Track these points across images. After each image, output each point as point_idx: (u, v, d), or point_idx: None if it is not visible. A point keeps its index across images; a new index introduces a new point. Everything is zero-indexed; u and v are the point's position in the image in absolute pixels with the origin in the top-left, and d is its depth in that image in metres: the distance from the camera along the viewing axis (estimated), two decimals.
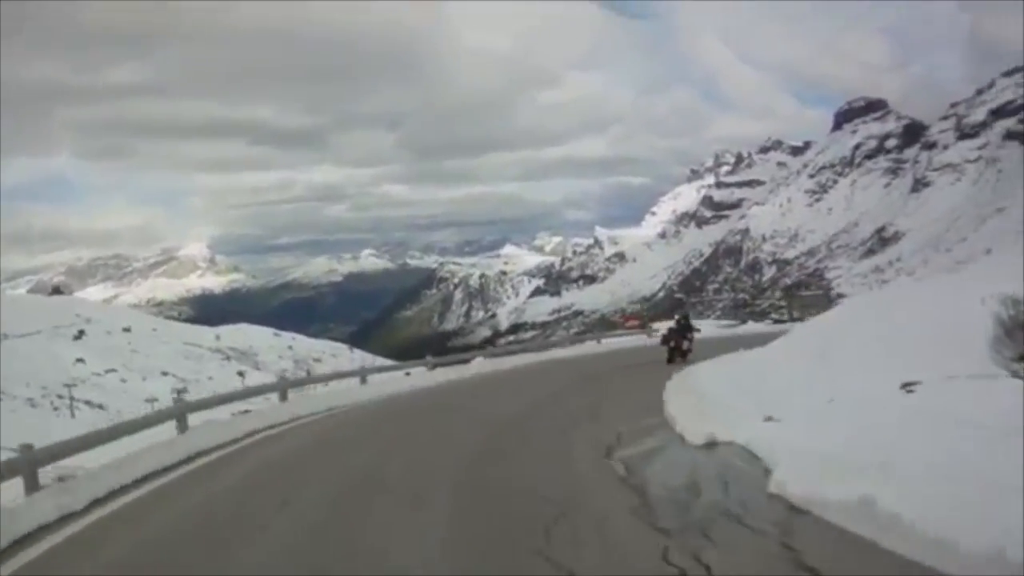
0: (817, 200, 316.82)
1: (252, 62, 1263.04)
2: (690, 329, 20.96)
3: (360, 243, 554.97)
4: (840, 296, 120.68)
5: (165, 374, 51.03)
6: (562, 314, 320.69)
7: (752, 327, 39.66)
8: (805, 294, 33.86)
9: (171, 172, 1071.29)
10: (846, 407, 7.70)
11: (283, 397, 16.76)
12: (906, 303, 12.69)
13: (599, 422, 10.54)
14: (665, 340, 20.55)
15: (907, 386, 7.58)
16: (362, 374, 20.71)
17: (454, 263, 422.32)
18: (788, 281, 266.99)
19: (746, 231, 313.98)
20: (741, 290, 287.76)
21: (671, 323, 21.88)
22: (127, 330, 59.24)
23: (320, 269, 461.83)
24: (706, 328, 31.91)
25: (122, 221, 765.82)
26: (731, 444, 7.67)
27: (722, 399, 10.14)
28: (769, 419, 7.91)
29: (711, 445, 7.98)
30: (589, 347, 30.26)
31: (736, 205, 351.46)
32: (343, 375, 24.67)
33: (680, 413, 9.73)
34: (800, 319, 35.88)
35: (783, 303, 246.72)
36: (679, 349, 19.95)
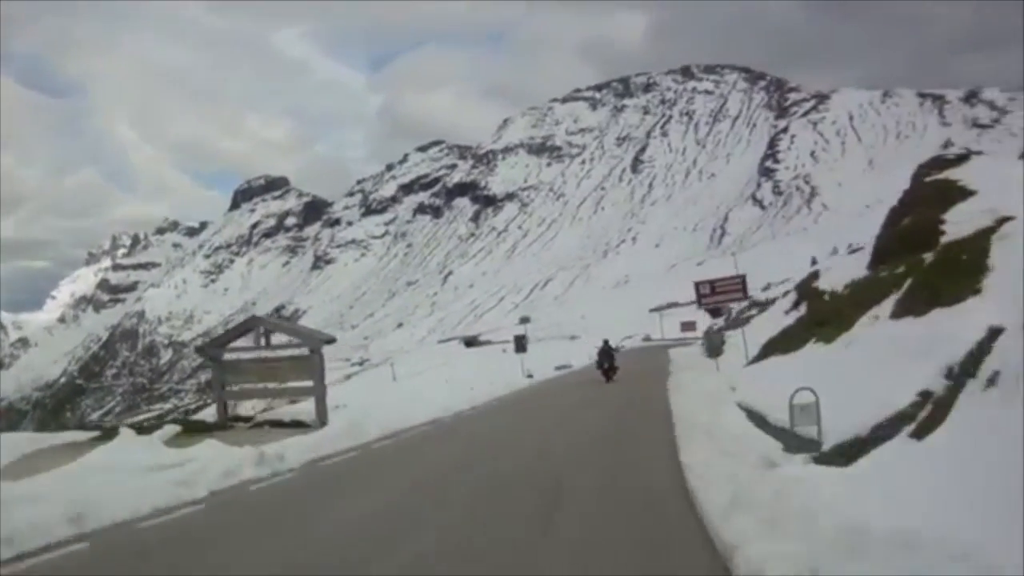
0: (213, 280, 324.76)
1: None
2: (613, 350, 27.87)
3: None
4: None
5: None
6: None
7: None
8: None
9: None
10: None
11: None
12: None
13: None
14: (599, 364, 26.63)
15: None
16: None
17: None
18: (187, 364, 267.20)
19: (142, 314, 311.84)
20: (140, 374, 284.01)
21: None
22: None
23: None
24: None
25: None
26: None
27: None
28: None
29: None
30: None
31: (132, 288, 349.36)
32: None
33: None
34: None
35: (184, 387, 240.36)
36: (612, 368, 26.18)
